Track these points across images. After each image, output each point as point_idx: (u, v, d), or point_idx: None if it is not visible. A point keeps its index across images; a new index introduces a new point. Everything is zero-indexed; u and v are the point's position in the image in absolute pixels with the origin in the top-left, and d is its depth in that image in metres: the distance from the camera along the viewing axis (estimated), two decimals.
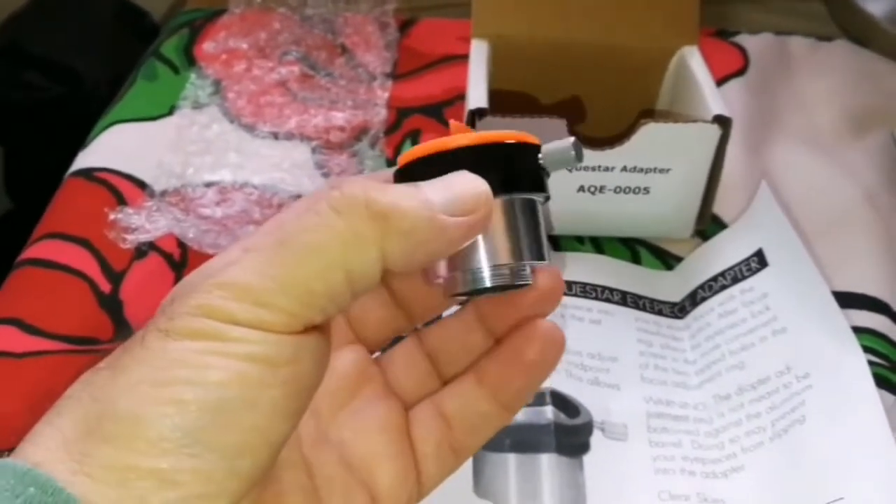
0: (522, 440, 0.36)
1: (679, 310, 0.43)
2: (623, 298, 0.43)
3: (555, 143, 0.24)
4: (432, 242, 0.22)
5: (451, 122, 0.24)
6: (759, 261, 0.41)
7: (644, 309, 0.42)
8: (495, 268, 0.23)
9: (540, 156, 0.24)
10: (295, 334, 0.21)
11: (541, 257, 0.24)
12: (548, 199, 0.25)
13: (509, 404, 0.26)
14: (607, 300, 0.42)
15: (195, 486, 0.20)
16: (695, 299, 0.42)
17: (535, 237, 0.24)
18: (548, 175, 0.24)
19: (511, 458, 0.36)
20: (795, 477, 0.34)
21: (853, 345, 0.36)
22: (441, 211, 0.22)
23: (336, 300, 0.22)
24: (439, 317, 0.28)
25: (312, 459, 0.25)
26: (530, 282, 0.24)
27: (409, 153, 0.24)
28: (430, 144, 0.24)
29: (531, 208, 0.24)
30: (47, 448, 0.21)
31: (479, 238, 0.23)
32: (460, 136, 0.23)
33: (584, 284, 0.43)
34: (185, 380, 0.20)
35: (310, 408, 0.24)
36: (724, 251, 0.43)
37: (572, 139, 0.24)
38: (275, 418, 0.21)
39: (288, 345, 0.21)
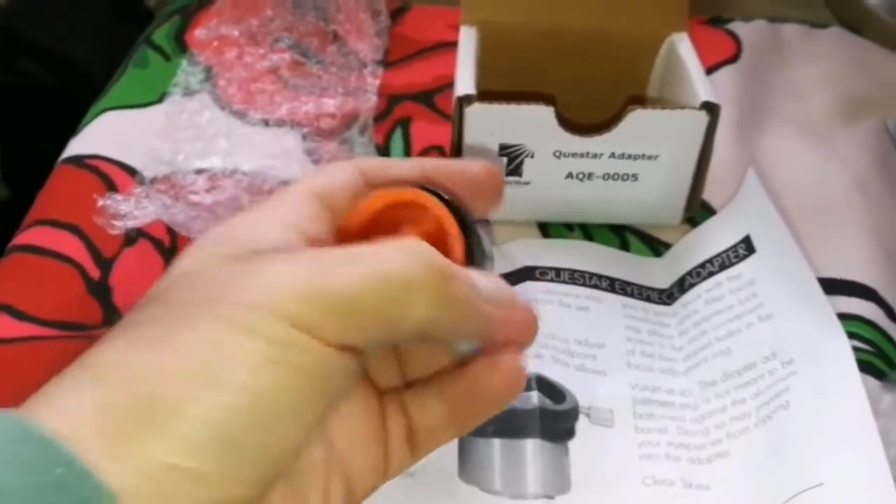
0: (507, 425, 0.36)
1: (667, 296, 0.43)
2: (611, 285, 0.43)
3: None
4: (470, 320, 0.24)
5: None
6: (746, 247, 0.41)
7: (632, 295, 0.42)
8: None
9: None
10: (338, 350, 0.21)
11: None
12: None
13: (464, 425, 0.27)
14: (595, 286, 0.42)
15: (227, 489, 0.20)
16: (683, 286, 0.42)
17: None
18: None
19: (496, 444, 0.36)
20: (779, 462, 0.34)
21: (838, 331, 0.36)
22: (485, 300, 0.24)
23: (380, 331, 0.22)
24: None
25: None
26: None
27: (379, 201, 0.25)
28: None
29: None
30: (78, 421, 0.19)
31: None
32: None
33: (573, 271, 0.43)
34: (232, 382, 0.20)
35: None
36: (712, 238, 0.43)
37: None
38: (302, 429, 0.21)
39: (332, 360, 0.21)
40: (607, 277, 0.43)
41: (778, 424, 0.35)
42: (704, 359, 0.39)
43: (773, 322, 0.38)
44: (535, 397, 0.37)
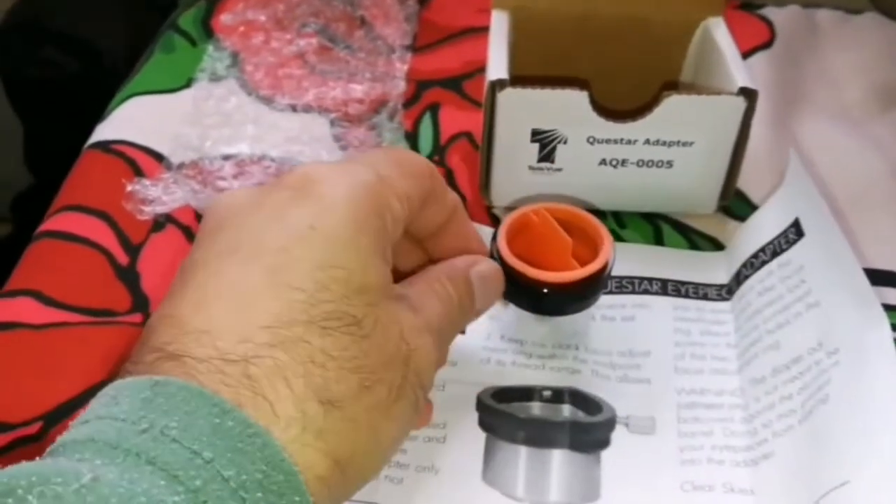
0: (536, 435, 0.35)
1: (727, 292, 0.41)
2: (663, 287, 0.42)
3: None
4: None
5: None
6: (796, 231, 0.40)
7: (686, 295, 0.41)
8: None
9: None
10: None
11: None
12: None
13: None
14: (645, 292, 0.41)
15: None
16: (739, 279, 0.41)
17: None
18: None
19: (522, 451, 0.35)
20: (814, 461, 0.32)
21: (881, 318, 0.34)
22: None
23: None
24: None
25: None
26: None
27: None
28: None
29: None
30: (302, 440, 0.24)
31: None
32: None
33: (620, 279, 0.42)
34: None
35: None
36: (766, 225, 0.41)
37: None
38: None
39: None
40: (659, 280, 0.42)
41: (817, 420, 0.33)
42: (755, 355, 0.37)
43: (819, 310, 0.36)
44: (566, 410, 0.36)
